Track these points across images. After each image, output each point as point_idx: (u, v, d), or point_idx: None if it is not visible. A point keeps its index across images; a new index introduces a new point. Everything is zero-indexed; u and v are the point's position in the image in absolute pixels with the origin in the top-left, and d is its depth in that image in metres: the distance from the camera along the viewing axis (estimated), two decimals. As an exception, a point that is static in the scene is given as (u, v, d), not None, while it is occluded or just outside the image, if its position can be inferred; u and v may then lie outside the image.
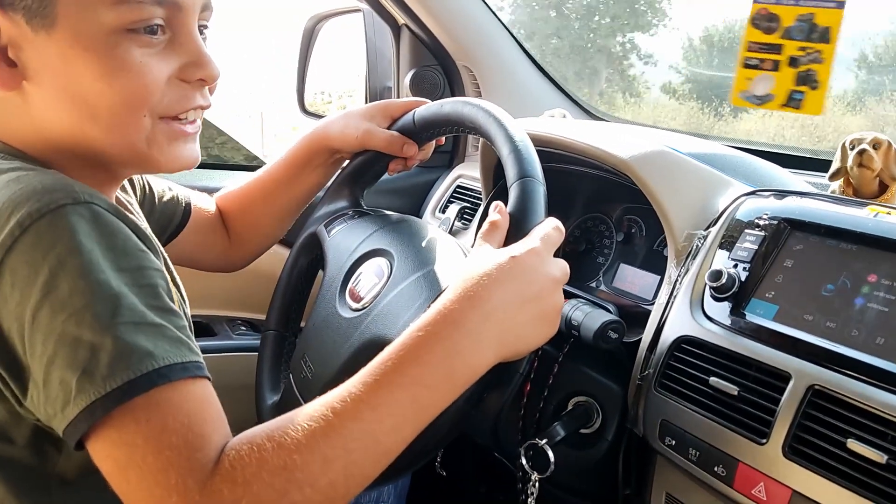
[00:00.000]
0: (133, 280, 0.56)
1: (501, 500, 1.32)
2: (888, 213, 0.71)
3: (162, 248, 0.81)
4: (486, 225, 0.70)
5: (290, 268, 0.98)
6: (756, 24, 0.76)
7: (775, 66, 0.76)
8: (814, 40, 0.76)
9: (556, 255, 0.69)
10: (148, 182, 0.94)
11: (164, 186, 0.96)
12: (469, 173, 1.40)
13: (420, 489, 1.33)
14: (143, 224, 0.82)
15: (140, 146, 0.66)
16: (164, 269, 0.61)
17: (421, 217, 1.44)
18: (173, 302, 0.59)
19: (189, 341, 0.57)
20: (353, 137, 0.95)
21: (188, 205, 0.98)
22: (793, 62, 0.76)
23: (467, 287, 0.62)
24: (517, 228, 0.69)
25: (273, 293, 0.98)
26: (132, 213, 0.83)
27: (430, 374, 0.59)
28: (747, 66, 0.77)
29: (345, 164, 1.01)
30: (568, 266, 0.69)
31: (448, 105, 0.88)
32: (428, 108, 0.92)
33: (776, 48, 0.75)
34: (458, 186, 1.40)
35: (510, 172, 0.74)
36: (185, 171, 0.72)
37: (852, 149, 0.85)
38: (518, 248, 0.66)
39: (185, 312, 0.80)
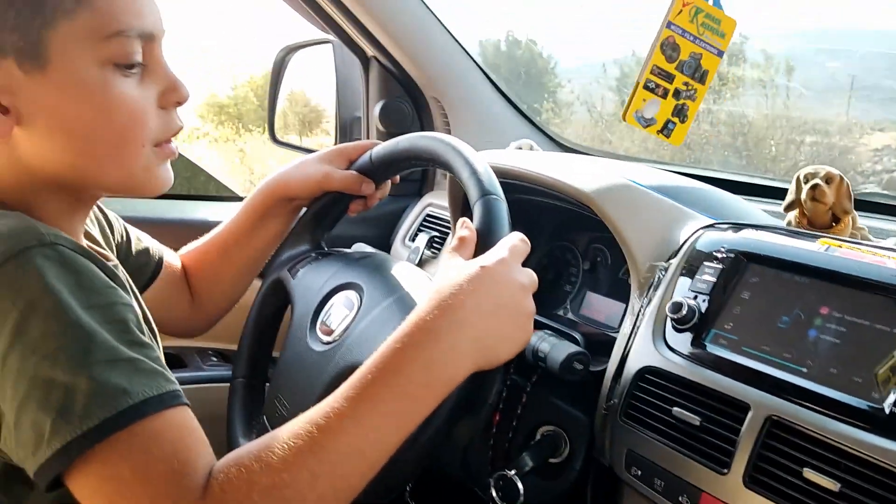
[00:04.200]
0: (104, 317, 0.56)
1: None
2: (839, 247, 0.74)
3: (131, 282, 0.81)
4: (454, 241, 0.73)
5: (256, 314, 0.97)
6: (664, 49, 0.80)
7: (664, 94, 0.80)
8: (695, 79, 0.81)
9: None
10: (126, 229, 0.94)
11: (138, 235, 0.96)
12: (438, 202, 1.42)
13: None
14: (112, 258, 0.82)
15: (137, 174, 0.69)
16: (133, 303, 0.61)
17: (391, 246, 1.45)
18: (144, 334, 0.59)
19: (164, 371, 0.58)
20: (314, 181, 0.96)
21: (160, 259, 0.97)
22: (676, 94, 0.80)
23: (441, 298, 0.64)
24: (484, 242, 0.72)
25: (239, 340, 0.97)
26: (101, 246, 0.83)
27: (410, 384, 0.60)
28: (647, 87, 0.81)
29: (303, 210, 1.02)
30: (535, 275, 0.71)
31: (404, 141, 0.90)
32: (384, 146, 0.94)
33: (670, 77, 0.79)
34: (428, 215, 1.42)
35: (472, 193, 0.77)
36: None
37: (806, 182, 0.88)
38: (486, 258, 0.68)
39: (157, 345, 0.80)
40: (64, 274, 0.56)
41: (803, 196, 0.89)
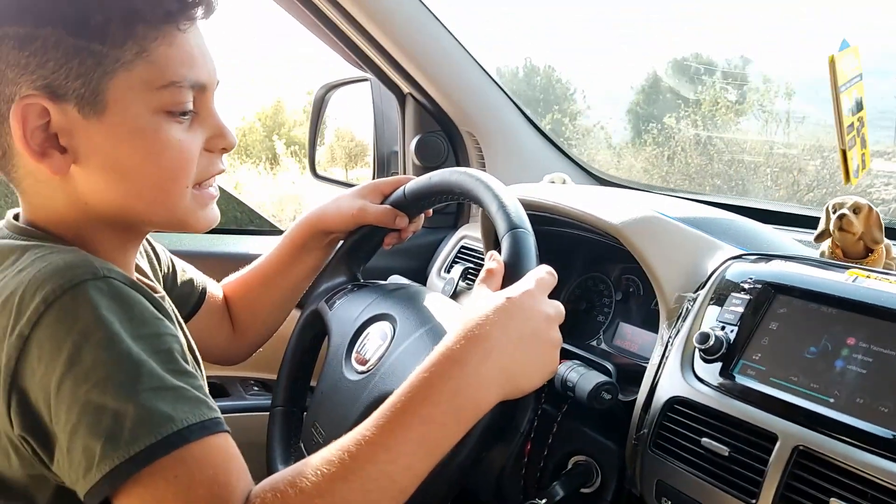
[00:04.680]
0: (151, 347, 0.60)
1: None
2: (867, 277, 0.74)
3: (177, 312, 0.86)
4: (482, 272, 0.75)
5: (295, 344, 1.01)
6: (843, 109, 0.85)
7: (853, 141, 0.85)
8: (861, 110, 0.84)
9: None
10: (172, 261, 0.98)
11: (183, 267, 1.00)
12: (473, 234, 1.44)
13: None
14: (160, 290, 0.86)
15: (179, 213, 0.73)
16: (178, 333, 0.65)
17: (427, 277, 1.48)
18: (188, 364, 0.63)
19: (206, 399, 0.61)
20: (349, 215, 1.00)
21: (204, 289, 1.01)
22: (857, 132, 0.85)
23: (468, 328, 0.67)
24: (512, 274, 0.75)
25: (279, 370, 1.01)
26: (148, 278, 0.87)
27: (438, 412, 0.63)
28: (851, 147, 0.86)
29: (340, 244, 1.05)
30: (562, 306, 0.73)
31: (436, 176, 0.94)
32: (417, 181, 0.97)
33: (852, 126, 0.84)
34: (463, 247, 1.45)
35: (500, 226, 0.79)
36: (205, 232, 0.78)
37: (834, 212, 0.88)
38: (513, 290, 0.71)
39: (200, 373, 0.84)
40: (115, 306, 0.59)
41: (831, 226, 0.89)
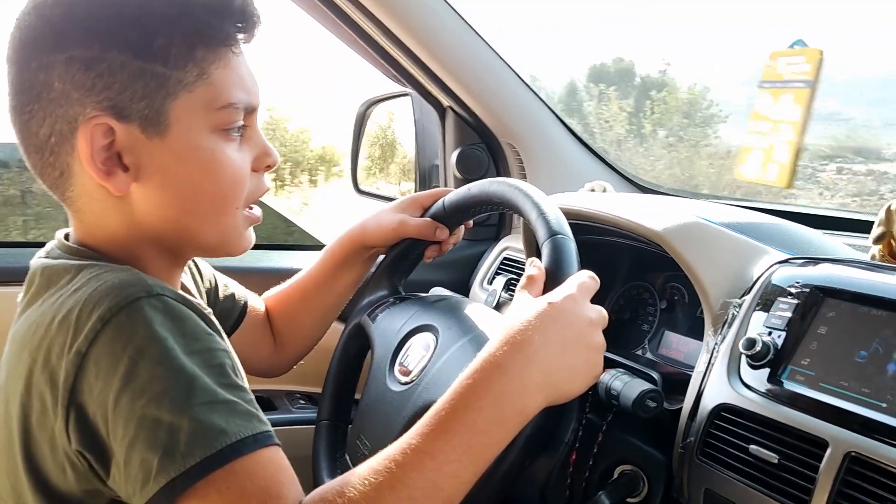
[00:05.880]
0: (204, 361, 0.61)
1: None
2: (919, 279, 0.72)
3: (220, 327, 0.88)
4: (523, 279, 0.75)
5: (339, 358, 1.02)
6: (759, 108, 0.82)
7: (765, 144, 0.82)
8: (787, 119, 0.81)
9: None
10: (215, 277, 1.00)
11: (225, 282, 1.02)
12: (515, 245, 1.44)
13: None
14: (207, 308, 0.89)
15: (229, 232, 0.75)
16: (228, 347, 0.67)
17: (469, 289, 1.49)
18: (238, 377, 0.64)
19: (257, 412, 0.62)
20: (390, 229, 1.01)
21: (245, 304, 1.03)
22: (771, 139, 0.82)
23: (510, 334, 0.67)
24: (553, 279, 0.75)
25: (323, 384, 1.02)
26: (192, 295, 0.89)
27: (482, 419, 0.63)
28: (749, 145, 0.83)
29: (381, 258, 1.07)
30: (605, 311, 0.73)
31: (475, 187, 0.94)
32: (456, 192, 0.98)
33: (766, 126, 0.81)
34: (505, 258, 1.45)
35: (540, 233, 0.79)
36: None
37: (898, 214, 0.86)
38: (554, 295, 0.71)
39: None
40: (168, 322, 0.61)
41: (894, 228, 0.87)
